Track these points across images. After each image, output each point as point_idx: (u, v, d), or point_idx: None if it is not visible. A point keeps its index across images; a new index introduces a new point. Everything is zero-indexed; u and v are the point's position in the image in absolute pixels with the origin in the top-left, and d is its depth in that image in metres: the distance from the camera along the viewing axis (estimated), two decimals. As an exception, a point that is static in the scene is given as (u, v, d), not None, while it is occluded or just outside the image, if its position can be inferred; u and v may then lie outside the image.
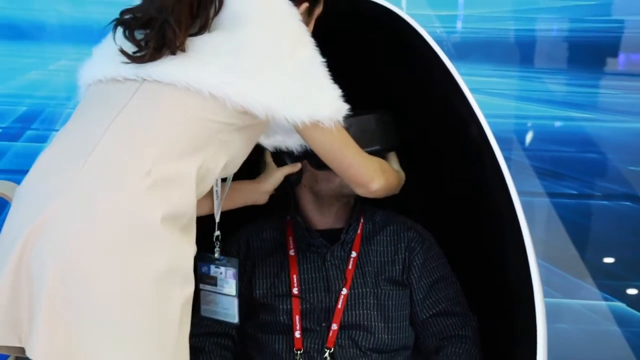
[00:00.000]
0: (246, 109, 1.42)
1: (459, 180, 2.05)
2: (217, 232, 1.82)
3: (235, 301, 1.80)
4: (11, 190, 1.89)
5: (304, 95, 1.50)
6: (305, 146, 1.88)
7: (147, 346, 1.31)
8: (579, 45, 2.54)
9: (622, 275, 2.61)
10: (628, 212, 2.58)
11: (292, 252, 1.96)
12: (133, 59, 1.41)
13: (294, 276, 1.93)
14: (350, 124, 1.84)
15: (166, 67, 1.41)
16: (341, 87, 1.97)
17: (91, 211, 1.30)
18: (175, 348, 1.35)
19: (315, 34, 2.02)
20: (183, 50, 1.41)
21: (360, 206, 2.00)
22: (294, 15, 1.54)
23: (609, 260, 2.62)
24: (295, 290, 1.91)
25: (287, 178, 1.91)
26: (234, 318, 1.80)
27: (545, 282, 1.87)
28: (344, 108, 1.59)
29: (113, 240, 1.29)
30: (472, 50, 2.50)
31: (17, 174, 2.57)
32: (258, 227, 2.02)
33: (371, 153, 1.88)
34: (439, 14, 2.51)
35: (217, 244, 1.81)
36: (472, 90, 1.95)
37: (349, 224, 1.97)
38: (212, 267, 1.82)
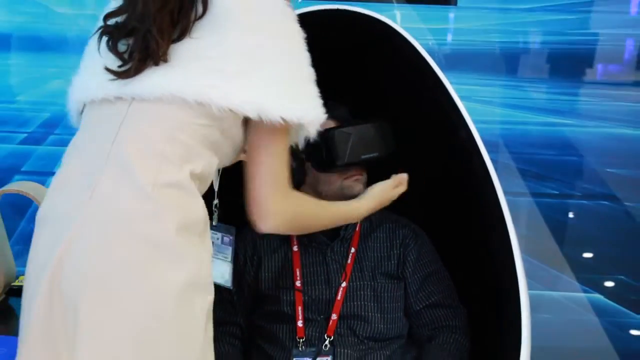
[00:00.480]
0: (235, 111, 1.34)
1: (450, 181, 2.05)
2: (216, 201, 1.75)
3: (230, 267, 1.78)
4: (35, 190, 1.89)
5: (291, 94, 1.41)
6: (309, 148, 1.89)
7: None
8: (559, 56, 2.54)
9: (600, 269, 2.61)
10: (606, 211, 2.58)
11: (295, 248, 1.96)
12: (119, 74, 1.35)
13: (297, 270, 1.93)
14: (350, 132, 1.85)
15: (151, 81, 1.34)
16: (340, 96, 1.98)
17: (107, 234, 1.26)
18: (201, 354, 1.33)
19: (315, 46, 2.03)
20: (165, 60, 1.34)
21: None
22: (279, 6, 1.42)
23: (587, 255, 2.62)
24: (298, 283, 1.91)
25: (291, 178, 1.91)
26: (228, 282, 1.79)
27: (529, 276, 1.87)
28: (323, 114, 1.48)
29: (130, 260, 1.25)
30: (461, 60, 2.50)
31: (41, 175, 2.58)
32: None
33: (369, 160, 1.89)
34: (431, 27, 2.51)
35: (215, 211, 1.75)
36: (461, 97, 1.95)
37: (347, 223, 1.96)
38: (210, 232, 1.72)
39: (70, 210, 1.29)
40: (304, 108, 1.41)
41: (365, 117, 1.93)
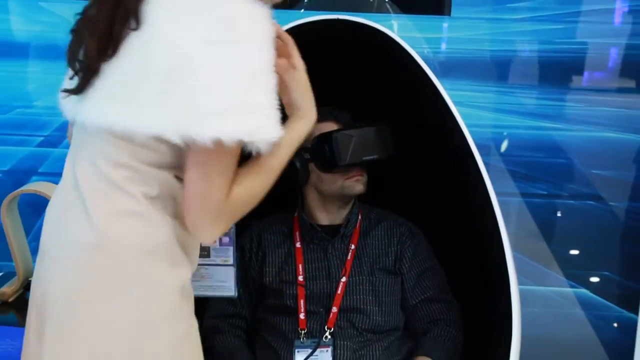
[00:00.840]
0: (158, 138, 1.15)
1: (444, 182, 2.05)
2: None
3: (232, 271, 1.57)
4: (51, 190, 1.88)
5: (222, 110, 1.13)
6: (314, 149, 1.89)
7: None
8: (548, 64, 2.53)
9: (586, 265, 2.61)
10: (591, 210, 2.58)
11: (298, 245, 1.95)
12: (72, 92, 1.24)
13: (300, 265, 1.92)
14: (352, 134, 1.86)
15: (87, 104, 1.21)
16: (342, 101, 1.98)
17: (74, 261, 1.21)
18: None
19: (316, 54, 2.02)
20: (97, 75, 1.20)
21: (358, 205, 1.99)
22: (227, 4, 1.16)
23: (574, 252, 2.62)
24: (300, 278, 1.91)
25: (295, 177, 1.91)
26: (231, 290, 1.58)
27: (518, 271, 1.86)
28: (273, 128, 1.18)
29: (88, 291, 1.19)
30: (455, 68, 2.50)
31: (57, 176, 2.56)
32: (269, 221, 2.01)
33: (370, 161, 1.89)
34: (426, 36, 2.50)
35: None
36: (455, 103, 1.95)
37: (347, 220, 1.96)
38: None
39: (49, 241, 1.27)
40: (240, 126, 1.13)
41: (366, 121, 1.93)
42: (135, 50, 1.17)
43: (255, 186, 1.23)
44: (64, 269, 1.22)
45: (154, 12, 1.16)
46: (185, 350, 1.27)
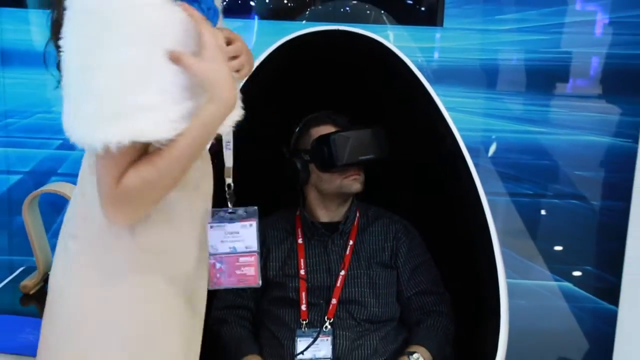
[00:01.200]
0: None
1: (437, 183, 2.05)
2: (229, 180, 1.43)
3: (257, 259, 1.40)
4: (69, 189, 1.89)
5: (96, 115, 1.07)
6: (313, 150, 1.90)
7: None
8: (534, 72, 2.53)
9: (569, 260, 2.60)
10: (574, 208, 2.58)
11: (300, 241, 1.96)
12: None
13: (301, 260, 1.93)
14: (349, 136, 1.87)
15: None
16: (341, 107, 1.99)
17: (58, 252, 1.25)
18: None
19: (319, 64, 2.03)
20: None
21: (356, 203, 2.00)
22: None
23: (558, 248, 2.62)
24: (302, 272, 1.91)
25: (297, 177, 1.93)
26: (257, 279, 1.41)
27: (506, 266, 1.87)
28: (171, 126, 1.09)
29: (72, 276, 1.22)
30: (447, 75, 2.50)
31: (75, 177, 2.57)
32: (273, 219, 2.02)
33: (366, 161, 1.90)
34: (420, 46, 2.50)
35: (229, 195, 1.44)
36: (447, 108, 1.95)
37: (346, 217, 1.97)
38: (226, 224, 1.37)
39: None
40: (126, 132, 1.06)
41: (363, 123, 1.94)
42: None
43: (150, 173, 1.11)
44: (55, 260, 1.25)
45: (64, 22, 1.10)
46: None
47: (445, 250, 2.04)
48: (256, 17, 2.54)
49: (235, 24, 2.50)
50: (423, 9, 2.52)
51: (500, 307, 1.80)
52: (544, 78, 2.53)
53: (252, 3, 2.51)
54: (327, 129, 1.92)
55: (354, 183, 1.92)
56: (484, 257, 1.87)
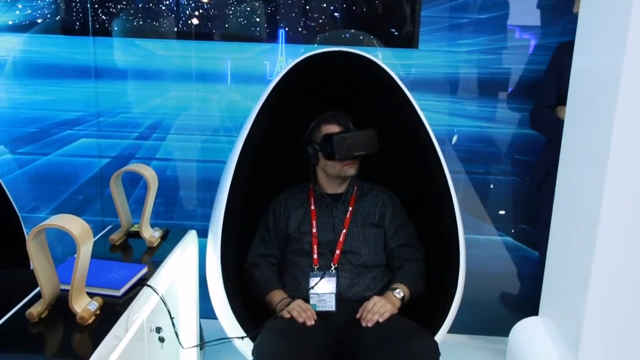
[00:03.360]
0: None
1: (414, 164, 2.01)
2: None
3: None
4: (144, 169, 1.85)
5: None
6: (321, 144, 1.86)
7: None
8: (485, 82, 2.50)
9: (509, 221, 2.58)
10: (513, 183, 2.56)
11: (312, 207, 1.93)
12: None
13: (314, 221, 1.91)
14: (347, 137, 1.84)
15: None
16: (343, 108, 1.93)
17: None
18: None
19: (323, 75, 1.98)
20: None
21: (355, 179, 1.96)
22: None
23: (502, 212, 2.60)
24: (314, 230, 1.89)
25: (309, 161, 1.90)
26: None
27: (464, 225, 1.85)
28: None
29: None
30: (422, 85, 2.47)
31: (147, 160, 2.58)
32: (292, 191, 1.99)
33: (359, 156, 1.87)
34: (401, 62, 2.47)
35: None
36: (422, 108, 1.92)
37: (347, 190, 1.94)
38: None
39: None
40: None
41: (361, 123, 1.90)
42: None
43: None
44: None
45: None
46: None
47: (420, 213, 2.00)
48: (281, 42, 2.51)
49: (266, 47, 2.46)
50: (403, 35, 2.47)
51: (460, 255, 1.79)
52: (492, 87, 2.50)
53: (279, 31, 2.47)
54: (332, 128, 1.88)
55: (349, 169, 1.90)
56: (449, 218, 1.84)
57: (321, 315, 1.76)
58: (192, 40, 2.48)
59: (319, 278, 1.82)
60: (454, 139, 2.53)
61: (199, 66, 2.49)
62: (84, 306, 1.31)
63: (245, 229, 1.95)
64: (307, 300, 1.80)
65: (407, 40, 2.44)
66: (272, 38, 2.47)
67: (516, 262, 2.59)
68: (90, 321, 1.29)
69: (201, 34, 2.47)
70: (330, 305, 1.79)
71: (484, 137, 2.52)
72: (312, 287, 1.81)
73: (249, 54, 2.48)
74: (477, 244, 2.56)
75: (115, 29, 2.47)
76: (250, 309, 1.82)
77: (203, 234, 1.93)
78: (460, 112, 2.50)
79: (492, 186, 2.57)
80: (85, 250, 1.29)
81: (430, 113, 2.29)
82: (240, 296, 1.82)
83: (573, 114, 1.64)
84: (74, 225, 1.27)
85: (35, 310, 1.28)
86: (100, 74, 2.49)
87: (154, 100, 2.52)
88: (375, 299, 1.76)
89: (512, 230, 2.58)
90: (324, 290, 1.81)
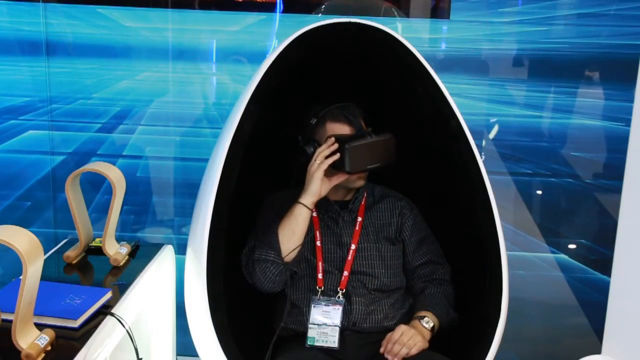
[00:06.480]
0: None
1: (443, 163, 2.01)
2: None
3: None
4: (107, 169, 1.87)
5: None
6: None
7: None
8: (533, 60, 2.50)
9: (565, 234, 2.58)
10: (569, 187, 2.56)
11: (314, 214, 1.92)
12: None
13: (317, 232, 1.91)
14: (361, 147, 1.81)
15: None
16: (352, 96, 1.95)
17: None
18: None
19: (332, 51, 1.99)
20: None
21: (364, 184, 1.96)
22: None
23: (555, 222, 2.60)
24: (318, 243, 1.90)
25: (308, 164, 1.88)
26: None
27: (506, 239, 1.85)
28: None
29: None
30: (453, 64, 2.47)
31: (112, 157, 2.60)
32: (288, 193, 1.96)
33: (372, 169, 1.86)
34: (428, 37, 2.48)
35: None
36: (453, 94, 1.91)
37: (355, 197, 1.95)
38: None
39: None
40: None
41: (375, 118, 1.89)
42: None
43: None
44: None
45: None
46: None
47: (448, 223, 2.01)
48: (278, 11, 2.52)
49: (260, 17, 2.47)
50: (430, 1, 2.48)
51: (502, 276, 1.79)
52: (542, 66, 2.52)
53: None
54: (340, 128, 1.87)
55: (358, 180, 1.91)
56: (486, 230, 1.84)
57: (328, 352, 1.78)
58: (169, 8, 2.50)
59: (322, 305, 1.83)
60: (494, 131, 2.53)
61: (176, 41, 2.51)
62: (31, 341, 1.33)
63: (235, 243, 1.95)
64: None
65: (435, 9, 2.45)
66: (267, 6, 2.49)
67: (574, 286, 2.60)
68: None
69: (180, 1, 2.49)
70: (332, 340, 1.79)
71: (533, 130, 2.52)
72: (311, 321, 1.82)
73: (239, 25, 2.50)
74: (523, 262, 2.56)
75: (73, -7, 2.49)
76: (246, 343, 1.80)
77: (181, 249, 1.95)
78: (501, 98, 2.51)
79: (542, 190, 2.58)
80: (33, 271, 1.31)
81: (463, 99, 2.31)
82: (231, 329, 1.79)
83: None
84: (19, 239, 1.29)
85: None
86: (53, 50, 2.50)
87: (120, 83, 2.54)
88: (403, 327, 1.76)
89: (569, 246, 2.58)
90: (326, 320, 1.82)
